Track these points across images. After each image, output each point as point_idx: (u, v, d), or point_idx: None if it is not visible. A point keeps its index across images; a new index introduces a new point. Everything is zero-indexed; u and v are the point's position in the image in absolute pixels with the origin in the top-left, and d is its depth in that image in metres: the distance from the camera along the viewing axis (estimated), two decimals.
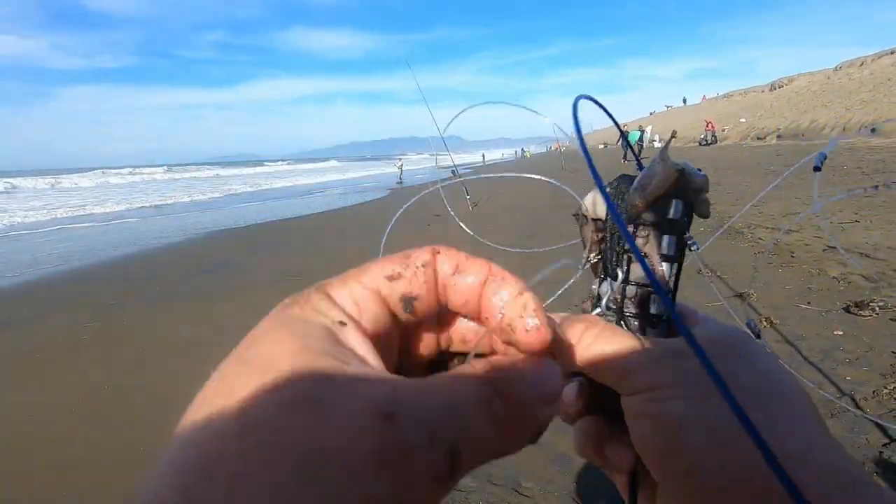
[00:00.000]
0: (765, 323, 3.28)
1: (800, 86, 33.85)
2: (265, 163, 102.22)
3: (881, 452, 1.97)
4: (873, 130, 18.06)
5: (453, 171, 12.72)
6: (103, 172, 56.97)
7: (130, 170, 63.59)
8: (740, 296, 3.85)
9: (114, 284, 5.91)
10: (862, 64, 29.01)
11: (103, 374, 3.40)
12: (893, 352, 2.72)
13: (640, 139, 22.10)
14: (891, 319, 3.10)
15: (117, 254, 8.09)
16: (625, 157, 20.99)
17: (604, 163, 24.81)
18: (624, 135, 0.54)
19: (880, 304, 3.28)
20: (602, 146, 60.72)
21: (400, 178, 26.33)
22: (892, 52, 26.86)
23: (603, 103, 0.33)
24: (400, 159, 30.88)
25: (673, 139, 0.32)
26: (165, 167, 66.48)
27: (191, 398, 0.19)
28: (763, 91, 40.09)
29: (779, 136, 25.17)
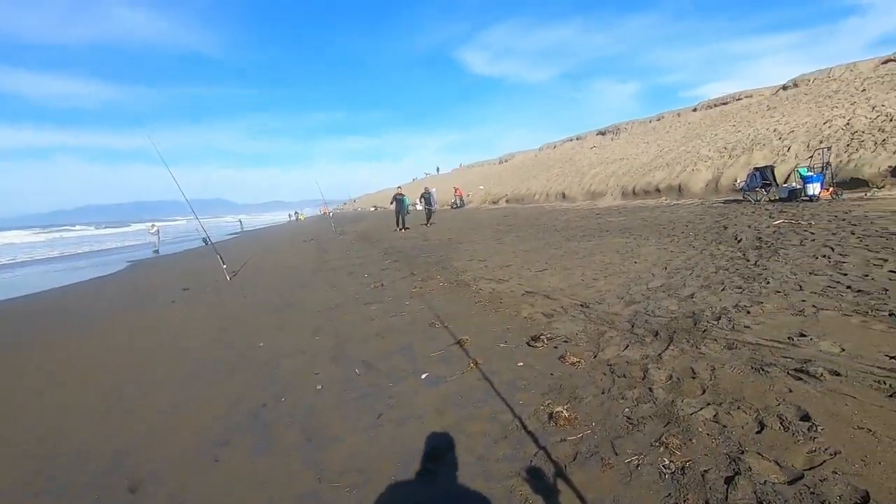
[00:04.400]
0: (472, 365, 3.84)
1: (519, 160, 42.80)
2: None
3: (531, 462, 2.46)
4: (564, 195, 23.75)
5: (205, 241, 11.58)
6: None
7: None
8: (459, 342, 4.44)
9: None
10: (555, 147, 38.53)
11: None
12: (552, 373, 3.50)
13: (428, 202, 21.91)
14: (553, 347, 4.01)
15: None
16: (398, 224, 19.87)
17: (371, 227, 26.14)
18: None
19: (548, 335, 4.22)
20: (373, 208, 64.55)
21: (157, 247, 22.47)
22: (570, 140, 36.55)
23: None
24: (154, 224, 26.34)
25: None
26: None
27: None
28: (495, 164, 49.28)
29: (507, 200, 31.01)
